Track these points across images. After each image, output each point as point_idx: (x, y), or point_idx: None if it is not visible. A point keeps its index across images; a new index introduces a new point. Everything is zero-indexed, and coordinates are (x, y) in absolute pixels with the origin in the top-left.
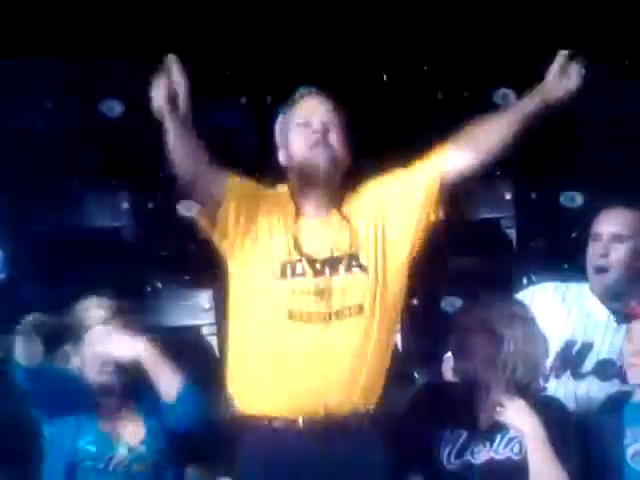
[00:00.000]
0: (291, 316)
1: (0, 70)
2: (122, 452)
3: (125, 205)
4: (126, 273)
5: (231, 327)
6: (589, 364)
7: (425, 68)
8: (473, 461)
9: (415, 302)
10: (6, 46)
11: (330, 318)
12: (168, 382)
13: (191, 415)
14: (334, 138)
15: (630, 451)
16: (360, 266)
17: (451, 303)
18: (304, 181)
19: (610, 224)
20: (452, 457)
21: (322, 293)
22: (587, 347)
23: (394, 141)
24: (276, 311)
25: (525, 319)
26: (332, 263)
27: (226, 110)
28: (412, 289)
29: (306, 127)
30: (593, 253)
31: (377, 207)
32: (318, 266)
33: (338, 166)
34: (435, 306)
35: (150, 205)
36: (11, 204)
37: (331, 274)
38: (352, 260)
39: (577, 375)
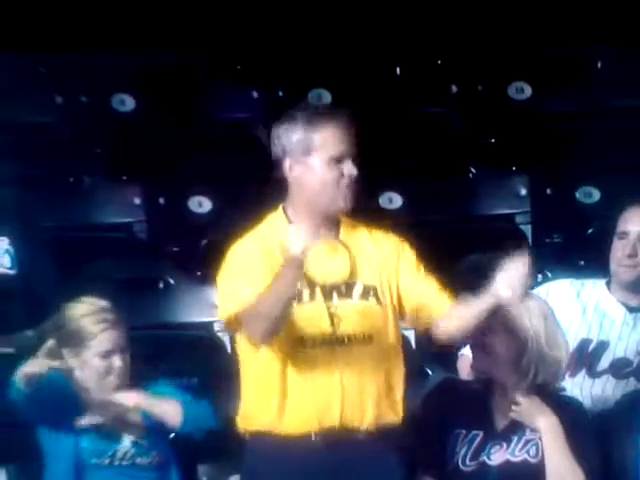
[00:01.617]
0: (302, 343)
1: (11, 65)
2: (126, 445)
3: (137, 201)
4: (138, 269)
5: (244, 352)
6: (605, 362)
7: (439, 62)
8: (489, 462)
9: None
10: (17, 41)
11: (341, 342)
12: (170, 415)
13: (202, 427)
14: (356, 167)
15: None
16: (376, 297)
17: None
18: (311, 209)
19: (637, 223)
20: (467, 458)
21: (333, 318)
22: (603, 345)
23: (408, 135)
24: (288, 338)
25: (547, 318)
26: (344, 289)
27: (238, 103)
28: None
29: (337, 164)
30: (620, 252)
31: (390, 256)
32: (327, 291)
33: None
34: None
35: (161, 201)
36: (22, 200)
37: (342, 299)
38: (369, 289)
39: (593, 374)
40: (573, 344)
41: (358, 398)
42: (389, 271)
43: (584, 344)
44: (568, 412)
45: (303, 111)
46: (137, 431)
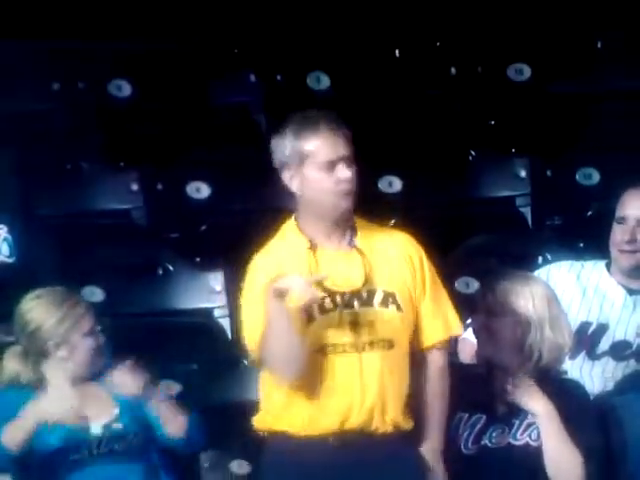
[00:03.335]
0: (325, 350)
1: (7, 52)
2: (96, 431)
3: (134, 187)
4: (137, 256)
5: None
6: (605, 345)
7: (438, 44)
8: (490, 446)
9: None
10: (13, 27)
11: (363, 349)
12: (176, 425)
13: (198, 443)
14: (353, 170)
15: None
16: (396, 303)
17: (465, 283)
18: (320, 217)
19: (636, 208)
20: (470, 442)
21: (354, 325)
22: (602, 328)
23: (407, 117)
24: (312, 345)
25: (551, 301)
26: (365, 296)
27: (236, 87)
28: None
29: (330, 169)
30: (619, 237)
31: (409, 262)
32: (347, 299)
33: (353, 199)
34: (450, 286)
35: (159, 187)
36: (20, 188)
37: (363, 307)
38: (389, 296)
39: (592, 356)
40: (573, 326)
41: (378, 402)
42: (407, 277)
43: (584, 326)
44: (569, 395)
45: (292, 122)
46: (107, 413)
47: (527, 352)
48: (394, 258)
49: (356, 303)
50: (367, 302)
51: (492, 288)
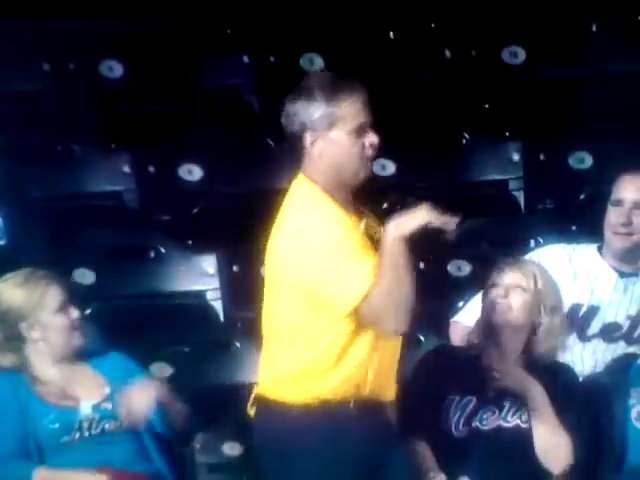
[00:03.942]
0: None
1: None
2: (86, 412)
3: (126, 169)
4: (129, 238)
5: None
6: (595, 327)
7: (432, 26)
8: (481, 428)
9: (422, 266)
10: (2, 7)
11: None
12: (180, 420)
13: (187, 440)
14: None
15: (634, 411)
16: None
17: (457, 266)
18: (339, 183)
19: (632, 191)
20: (461, 424)
21: None
22: (593, 310)
23: (401, 100)
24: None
25: (554, 287)
26: None
27: (229, 69)
28: (419, 253)
29: (359, 135)
30: (614, 220)
31: None
32: None
33: None
34: (442, 269)
35: (151, 169)
36: (10, 170)
37: None
38: None
39: (583, 338)
40: (564, 309)
41: (392, 369)
42: None
43: (575, 308)
44: (558, 377)
45: (319, 85)
46: (98, 393)
47: (529, 334)
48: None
49: None
50: None
51: (500, 269)
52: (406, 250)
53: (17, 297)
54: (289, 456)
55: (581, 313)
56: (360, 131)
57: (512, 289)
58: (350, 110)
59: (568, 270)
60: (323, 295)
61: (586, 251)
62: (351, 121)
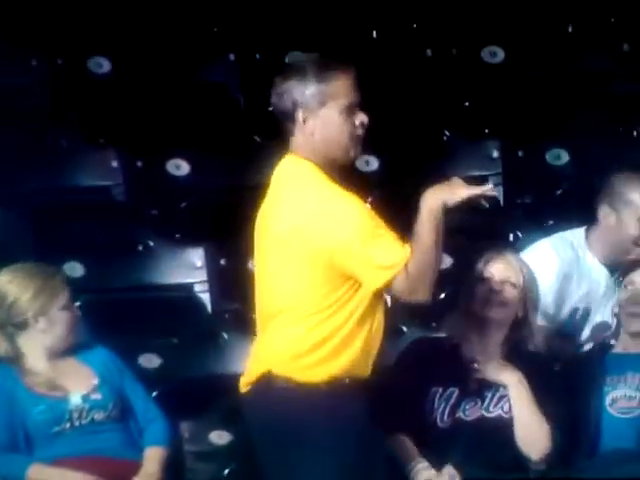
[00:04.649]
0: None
1: None
2: (76, 402)
3: (114, 164)
4: (117, 232)
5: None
6: (587, 329)
7: (414, 26)
8: (464, 418)
9: None
10: None
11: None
12: None
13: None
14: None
15: (608, 398)
16: None
17: None
18: (330, 161)
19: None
20: (445, 415)
21: None
22: (587, 312)
23: (384, 97)
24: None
25: (535, 281)
26: None
27: (215, 66)
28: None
29: (350, 114)
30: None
31: None
32: None
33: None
34: None
35: (139, 164)
36: None
37: None
38: None
39: (577, 341)
40: (564, 311)
41: (375, 349)
42: None
43: (573, 312)
44: (535, 366)
45: (311, 63)
46: (86, 384)
47: (510, 326)
48: None
49: None
50: None
51: (487, 262)
52: (442, 221)
53: (30, 288)
54: (296, 434)
55: (578, 316)
56: (350, 110)
57: (504, 284)
58: (341, 88)
59: (563, 269)
60: (355, 268)
61: (579, 249)
62: (342, 99)
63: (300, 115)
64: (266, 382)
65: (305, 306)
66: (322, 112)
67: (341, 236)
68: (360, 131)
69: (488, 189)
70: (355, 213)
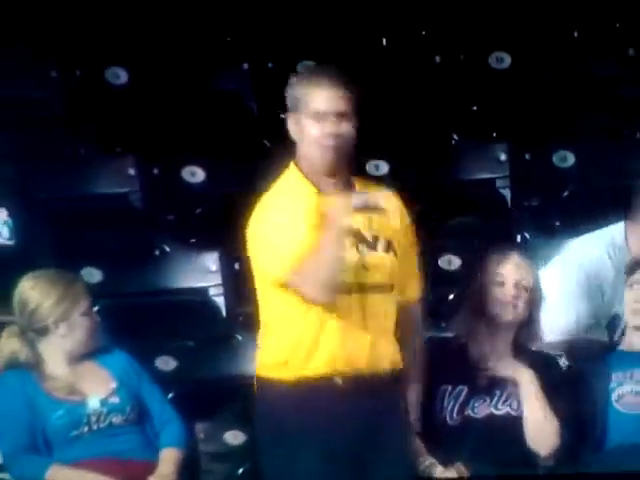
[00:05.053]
0: (346, 289)
1: (6, 39)
2: (94, 406)
3: (131, 172)
4: (134, 238)
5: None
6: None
7: (423, 33)
8: (473, 416)
9: None
10: (11, 16)
11: (369, 290)
12: None
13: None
14: (345, 127)
15: (615, 394)
16: (394, 250)
17: (447, 260)
18: (313, 165)
19: None
20: (455, 413)
21: (362, 267)
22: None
23: (394, 102)
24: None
25: (540, 282)
26: (371, 241)
27: (228, 75)
28: None
29: (320, 121)
30: None
31: (398, 216)
32: (359, 243)
33: (346, 151)
34: (433, 263)
35: (155, 171)
36: (19, 172)
37: (370, 251)
38: (389, 243)
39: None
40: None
41: (380, 343)
42: (400, 229)
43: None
44: (543, 364)
45: (303, 70)
46: (104, 388)
47: (522, 324)
48: (389, 210)
49: (365, 247)
50: (373, 247)
51: (500, 264)
52: (340, 231)
53: (52, 295)
54: (280, 429)
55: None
56: (320, 117)
57: (517, 286)
58: (316, 96)
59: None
60: (259, 267)
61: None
62: (313, 105)
63: (289, 119)
64: (257, 384)
65: (273, 316)
66: (297, 117)
67: (255, 242)
68: (328, 142)
69: (374, 201)
70: (268, 226)
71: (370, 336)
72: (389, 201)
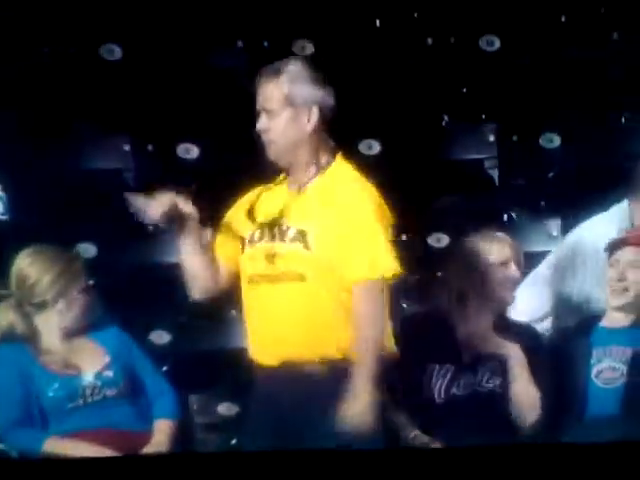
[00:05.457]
0: (250, 279)
1: None
2: (88, 380)
3: (126, 148)
4: (129, 214)
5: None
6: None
7: (415, 15)
8: (458, 394)
9: (403, 237)
10: None
11: (278, 280)
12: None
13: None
14: (274, 124)
15: (595, 370)
16: (305, 241)
17: (437, 238)
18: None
19: None
20: (442, 392)
21: (270, 258)
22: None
23: (387, 83)
24: (242, 275)
25: (522, 260)
26: (281, 231)
27: (223, 53)
28: (401, 226)
29: (258, 116)
30: None
31: (341, 205)
32: (269, 233)
33: (280, 147)
34: (422, 241)
35: (150, 148)
36: (13, 148)
37: (278, 241)
38: (300, 234)
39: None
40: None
41: (299, 333)
42: (333, 220)
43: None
44: (526, 338)
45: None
46: (99, 362)
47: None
48: (330, 201)
49: (277, 237)
50: (281, 237)
51: (500, 244)
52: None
53: (51, 270)
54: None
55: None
56: (258, 114)
57: (508, 264)
58: (257, 93)
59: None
60: None
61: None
62: (257, 102)
63: None
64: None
65: None
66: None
67: None
68: (262, 137)
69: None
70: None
71: (286, 326)
72: (343, 192)
